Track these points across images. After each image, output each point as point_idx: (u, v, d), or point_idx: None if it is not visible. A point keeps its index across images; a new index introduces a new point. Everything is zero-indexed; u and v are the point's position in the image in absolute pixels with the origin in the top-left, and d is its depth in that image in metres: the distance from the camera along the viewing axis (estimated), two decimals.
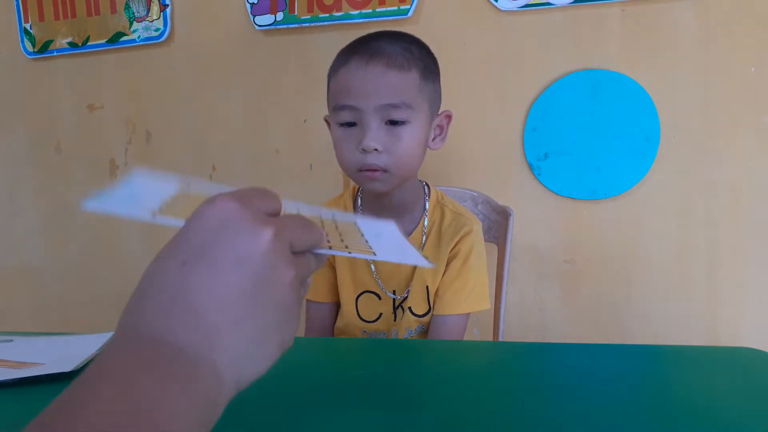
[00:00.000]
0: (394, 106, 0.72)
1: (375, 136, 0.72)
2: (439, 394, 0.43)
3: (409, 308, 0.85)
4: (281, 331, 0.31)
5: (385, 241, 0.39)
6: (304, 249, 0.34)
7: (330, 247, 0.36)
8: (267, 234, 0.30)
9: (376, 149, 0.72)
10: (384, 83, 0.71)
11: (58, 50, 1.49)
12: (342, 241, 0.38)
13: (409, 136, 0.74)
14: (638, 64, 1.17)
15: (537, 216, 1.25)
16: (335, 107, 0.75)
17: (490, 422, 0.41)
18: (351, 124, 0.74)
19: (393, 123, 0.73)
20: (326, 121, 0.82)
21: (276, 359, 0.31)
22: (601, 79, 1.18)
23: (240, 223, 0.30)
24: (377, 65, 0.72)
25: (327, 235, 0.37)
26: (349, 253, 0.36)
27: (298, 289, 0.33)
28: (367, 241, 0.39)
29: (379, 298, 0.87)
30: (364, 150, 0.72)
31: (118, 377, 0.26)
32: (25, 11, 1.50)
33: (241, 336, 0.29)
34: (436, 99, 0.79)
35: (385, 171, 0.74)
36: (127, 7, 1.42)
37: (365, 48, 0.73)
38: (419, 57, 0.75)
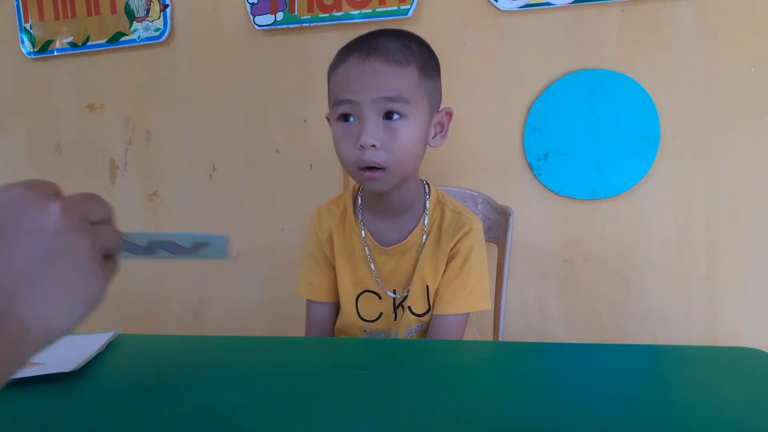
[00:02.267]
0: (391, 99, 0.72)
1: (372, 131, 0.72)
2: (439, 394, 0.43)
3: (409, 308, 0.85)
4: (84, 289, 0.37)
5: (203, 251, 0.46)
6: (100, 219, 0.39)
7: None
8: (54, 208, 0.35)
9: (373, 145, 0.72)
10: (381, 77, 0.72)
11: (58, 50, 1.49)
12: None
13: (407, 132, 0.74)
14: (638, 64, 1.17)
15: (537, 216, 1.25)
16: (334, 102, 0.76)
17: (490, 422, 0.41)
18: (349, 118, 0.74)
19: (390, 118, 0.73)
20: (327, 119, 0.82)
21: (84, 313, 0.37)
22: (601, 79, 1.18)
23: (27, 203, 0.35)
24: (375, 60, 0.72)
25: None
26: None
27: (98, 254, 0.37)
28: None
29: (380, 298, 0.87)
30: (362, 146, 0.73)
31: None
32: (25, 11, 1.50)
33: (41, 293, 0.35)
34: (436, 96, 0.79)
35: (383, 169, 0.74)
36: (127, 7, 1.42)
37: (364, 45, 0.74)
38: (418, 54, 0.75)
